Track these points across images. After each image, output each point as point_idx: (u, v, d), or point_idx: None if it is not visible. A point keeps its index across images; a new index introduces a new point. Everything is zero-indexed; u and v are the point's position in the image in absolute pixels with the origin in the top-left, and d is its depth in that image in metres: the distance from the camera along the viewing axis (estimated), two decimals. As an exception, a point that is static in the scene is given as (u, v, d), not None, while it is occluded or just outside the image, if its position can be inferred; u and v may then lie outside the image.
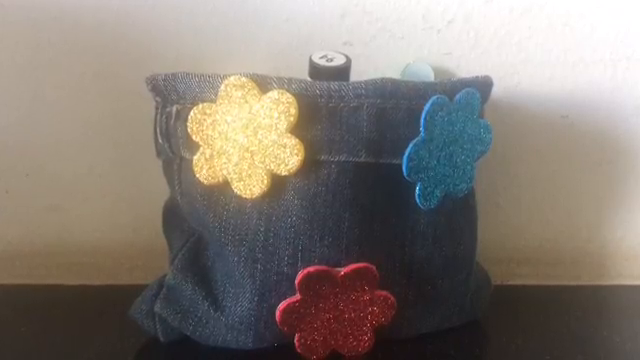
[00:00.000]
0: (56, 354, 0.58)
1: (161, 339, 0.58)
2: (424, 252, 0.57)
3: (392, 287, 0.55)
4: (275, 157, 0.50)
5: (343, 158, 0.51)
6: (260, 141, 0.50)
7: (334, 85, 0.51)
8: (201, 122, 0.50)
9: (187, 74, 0.53)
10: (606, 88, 0.70)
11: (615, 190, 0.74)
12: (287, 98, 0.49)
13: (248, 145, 0.50)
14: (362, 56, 0.68)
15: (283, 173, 0.50)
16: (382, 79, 0.52)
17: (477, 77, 0.57)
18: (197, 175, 0.52)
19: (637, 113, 0.71)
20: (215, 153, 0.51)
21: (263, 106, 0.49)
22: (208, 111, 0.50)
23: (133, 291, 0.62)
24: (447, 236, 0.58)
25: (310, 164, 0.51)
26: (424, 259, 0.57)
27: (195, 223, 0.57)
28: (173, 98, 0.54)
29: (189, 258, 0.58)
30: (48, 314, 0.65)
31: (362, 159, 0.51)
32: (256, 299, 0.54)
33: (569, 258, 0.77)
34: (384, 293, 0.54)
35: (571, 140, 0.72)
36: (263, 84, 0.50)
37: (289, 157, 0.50)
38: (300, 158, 0.50)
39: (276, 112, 0.49)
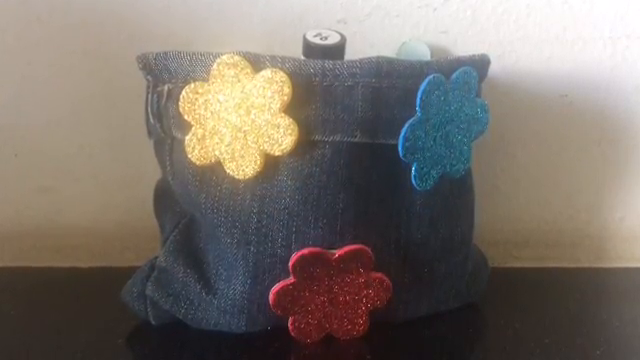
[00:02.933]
0: (46, 337, 0.57)
1: (152, 322, 0.58)
2: (420, 234, 0.56)
3: (388, 270, 0.54)
4: (268, 137, 0.49)
5: (338, 138, 0.50)
6: (253, 121, 0.49)
7: (328, 64, 0.50)
8: (193, 102, 0.49)
9: (179, 53, 0.52)
10: (606, 66, 0.69)
11: (615, 170, 0.74)
12: (281, 77, 0.48)
13: (241, 125, 0.49)
14: (357, 34, 0.67)
15: (277, 153, 0.49)
16: (377, 58, 0.51)
17: (474, 55, 0.56)
18: (189, 155, 0.51)
19: (637, 92, 0.70)
20: (207, 133, 0.50)
21: (256, 85, 0.48)
22: (200, 90, 0.49)
23: (124, 273, 0.61)
24: (444, 218, 0.57)
25: (304, 144, 0.50)
26: (420, 241, 0.56)
27: (187, 204, 0.56)
28: (164, 77, 0.53)
29: (181, 240, 0.57)
30: (38, 297, 0.64)
31: (357, 139, 0.51)
32: (249, 282, 0.53)
33: (568, 240, 0.76)
34: (379, 275, 0.53)
35: (570, 119, 0.71)
36: (256, 63, 0.49)
37: (283, 137, 0.49)
38: (294, 138, 0.49)
39: (269, 91, 0.48)
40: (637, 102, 0.70)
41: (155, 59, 0.53)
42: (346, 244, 0.52)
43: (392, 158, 0.52)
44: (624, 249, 0.77)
